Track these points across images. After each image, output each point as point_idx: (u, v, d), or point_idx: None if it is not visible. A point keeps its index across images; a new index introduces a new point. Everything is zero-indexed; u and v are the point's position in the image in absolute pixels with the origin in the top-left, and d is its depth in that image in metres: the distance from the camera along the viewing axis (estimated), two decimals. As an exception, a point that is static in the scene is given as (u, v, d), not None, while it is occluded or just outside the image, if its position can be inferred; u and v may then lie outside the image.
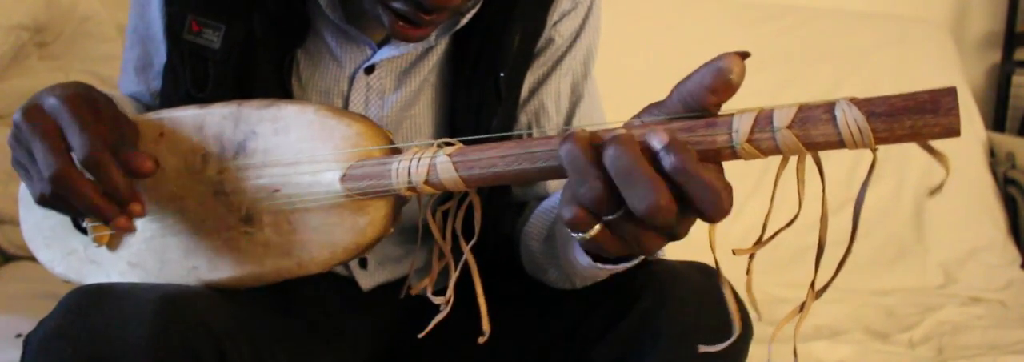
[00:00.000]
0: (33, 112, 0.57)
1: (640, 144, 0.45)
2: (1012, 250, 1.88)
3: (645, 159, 0.44)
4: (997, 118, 2.32)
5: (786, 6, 2.06)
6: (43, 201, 0.58)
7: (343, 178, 0.58)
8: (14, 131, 0.59)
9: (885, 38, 2.03)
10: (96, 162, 0.56)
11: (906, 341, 1.44)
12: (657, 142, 0.44)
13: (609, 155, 0.44)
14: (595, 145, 0.45)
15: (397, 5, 0.63)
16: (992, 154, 2.01)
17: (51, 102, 0.58)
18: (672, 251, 0.69)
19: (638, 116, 0.50)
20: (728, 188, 0.44)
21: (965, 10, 2.35)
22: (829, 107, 0.44)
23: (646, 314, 0.68)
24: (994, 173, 1.97)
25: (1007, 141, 2.02)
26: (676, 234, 0.47)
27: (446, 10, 0.63)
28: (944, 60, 2.05)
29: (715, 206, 0.43)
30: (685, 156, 0.43)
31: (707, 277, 0.69)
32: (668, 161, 0.43)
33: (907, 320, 1.54)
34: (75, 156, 0.56)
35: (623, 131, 0.46)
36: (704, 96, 0.45)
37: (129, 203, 0.58)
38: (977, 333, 1.46)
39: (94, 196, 0.57)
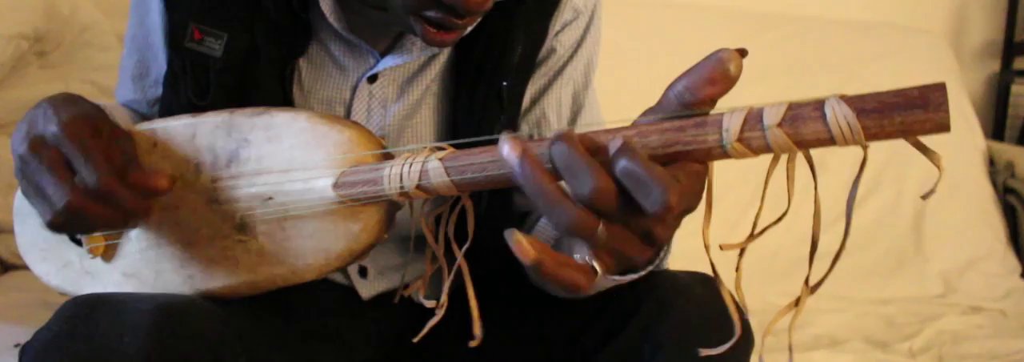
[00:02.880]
0: (36, 145, 0.57)
1: (600, 147, 0.46)
2: (1012, 259, 1.87)
3: (587, 154, 0.45)
4: (996, 127, 2.32)
5: (786, 16, 2.07)
6: (55, 228, 0.58)
7: (336, 185, 0.58)
8: (20, 165, 0.59)
9: (885, 48, 2.03)
10: (106, 191, 0.56)
11: (906, 350, 1.44)
12: (612, 146, 0.45)
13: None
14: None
15: (430, 13, 0.63)
16: (991, 163, 2.01)
17: (52, 131, 0.57)
18: (674, 260, 0.69)
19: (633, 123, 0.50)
20: (673, 185, 0.43)
21: (964, 20, 2.35)
22: (819, 104, 0.44)
23: (647, 324, 0.68)
24: (993, 182, 1.97)
25: (1006, 150, 2.02)
26: (653, 238, 0.47)
27: (479, 14, 0.63)
28: (943, 69, 2.05)
29: (655, 199, 0.43)
30: (630, 156, 0.44)
31: (708, 288, 0.69)
32: (619, 165, 0.44)
33: (907, 329, 1.54)
34: (87, 187, 0.56)
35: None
36: (702, 88, 0.45)
37: (148, 217, 0.59)
38: (977, 342, 1.46)
39: (110, 215, 0.57)
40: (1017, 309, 1.67)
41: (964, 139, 1.98)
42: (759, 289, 1.62)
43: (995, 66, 2.37)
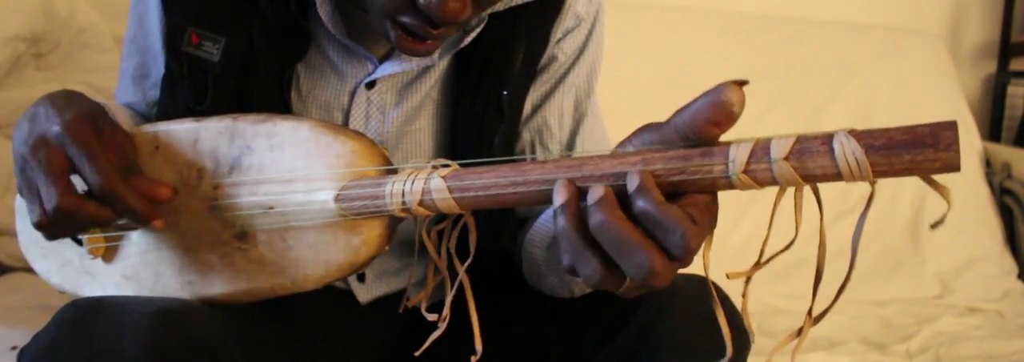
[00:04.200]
0: (40, 146, 0.58)
1: (616, 186, 0.46)
2: (1009, 260, 1.88)
3: (627, 220, 0.45)
4: (993, 128, 2.32)
5: (782, 17, 2.07)
6: (40, 229, 0.59)
7: (337, 198, 0.58)
8: (21, 164, 0.59)
9: (881, 49, 2.03)
10: (109, 192, 0.57)
11: (903, 352, 1.44)
12: (630, 184, 0.46)
13: (594, 224, 0.46)
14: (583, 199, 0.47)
15: (406, 20, 0.63)
16: (988, 164, 2.02)
17: (55, 131, 0.58)
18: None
19: (630, 139, 0.50)
20: (692, 228, 0.45)
21: (960, 21, 2.36)
22: (827, 139, 0.43)
23: (644, 327, 0.68)
24: (990, 183, 1.98)
25: (1003, 151, 2.02)
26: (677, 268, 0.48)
27: (454, 25, 0.63)
28: (940, 71, 2.05)
29: (675, 243, 0.45)
30: (647, 197, 0.45)
31: (705, 289, 0.69)
32: (636, 205, 0.45)
33: (904, 331, 1.54)
34: (90, 188, 0.57)
35: (603, 192, 0.47)
36: (705, 129, 0.45)
37: (151, 221, 0.59)
38: (974, 343, 1.46)
39: (106, 216, 0.58)
40: (1014, 310, 1.68)
41: (961, 140, 1.99)
42: (756, 291, 1.62)
43: (991, 67, 2.37)
